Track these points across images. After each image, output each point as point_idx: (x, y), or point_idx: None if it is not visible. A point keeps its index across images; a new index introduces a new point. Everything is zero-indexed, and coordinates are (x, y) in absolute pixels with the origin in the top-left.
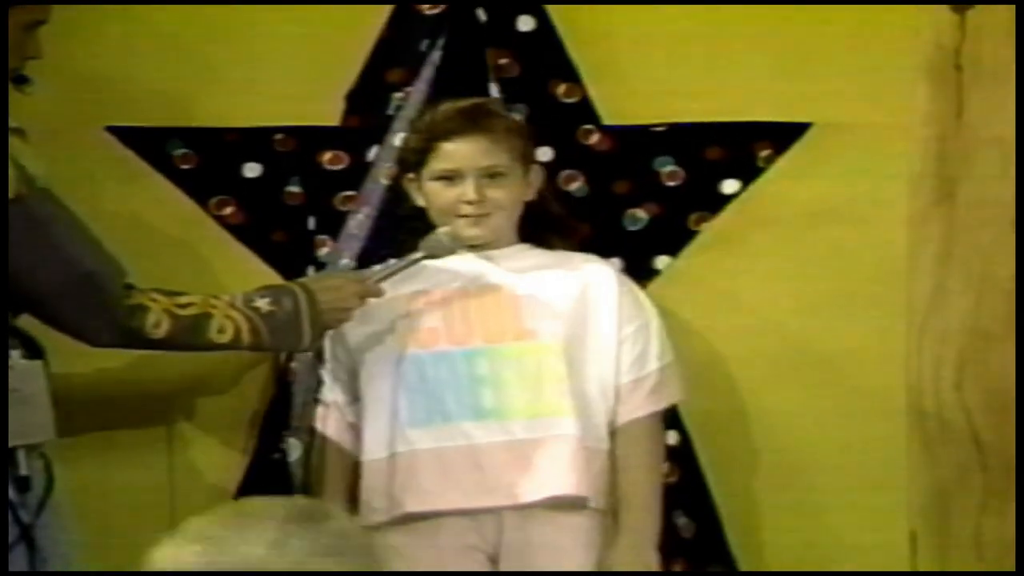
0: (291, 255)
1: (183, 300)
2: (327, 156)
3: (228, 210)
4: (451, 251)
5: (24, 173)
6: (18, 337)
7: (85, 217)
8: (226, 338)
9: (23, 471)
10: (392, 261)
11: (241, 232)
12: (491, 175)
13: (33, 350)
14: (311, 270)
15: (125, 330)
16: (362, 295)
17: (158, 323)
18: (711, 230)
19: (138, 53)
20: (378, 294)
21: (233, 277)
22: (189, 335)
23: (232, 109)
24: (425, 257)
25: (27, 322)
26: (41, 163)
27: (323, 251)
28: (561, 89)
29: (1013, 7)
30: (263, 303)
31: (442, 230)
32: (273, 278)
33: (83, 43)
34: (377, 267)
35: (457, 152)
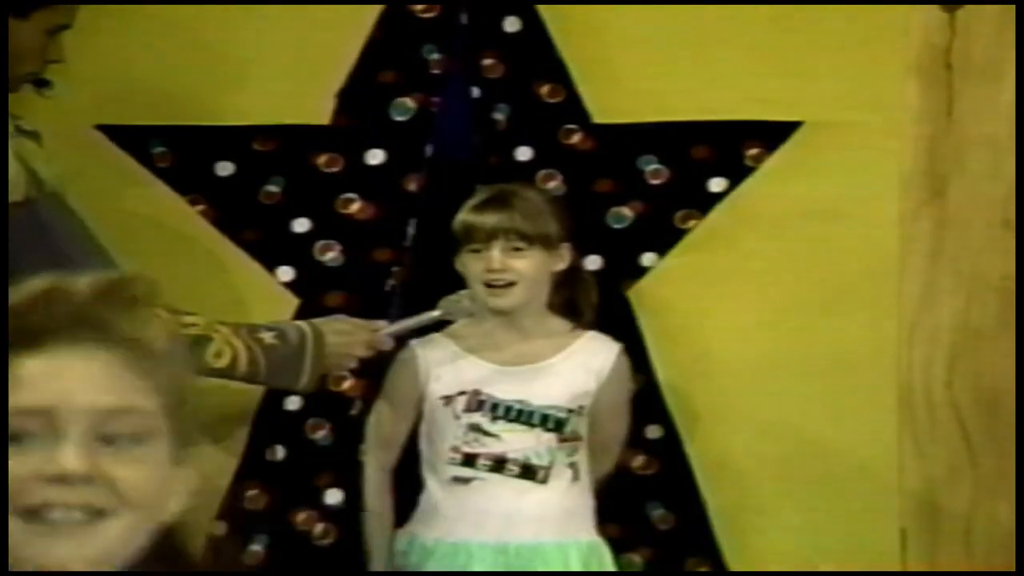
0: (263, 256)
1: (187, 320)
2: (322, 159)
3: (200, 208)
4: (469, 314)
5: (35, 176)
6: None
7: (81, 214)
8: (223, 363)
9: None
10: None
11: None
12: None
13: None
14: (287, 270)
15: None
16: (370, 345)
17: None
18: (701, 229)
19: (132, 52)
20: (386, 347)
21: (223, 274)
22: None
23: (223, 108)
24: (441, 317)
25: None
26: (52, 167)
27: (329, 255)
28: (545, 89)
29: (1001, 5)
30: (267, 336)
31: (464, 292)
32: (261, 274)
33: (78, 43)
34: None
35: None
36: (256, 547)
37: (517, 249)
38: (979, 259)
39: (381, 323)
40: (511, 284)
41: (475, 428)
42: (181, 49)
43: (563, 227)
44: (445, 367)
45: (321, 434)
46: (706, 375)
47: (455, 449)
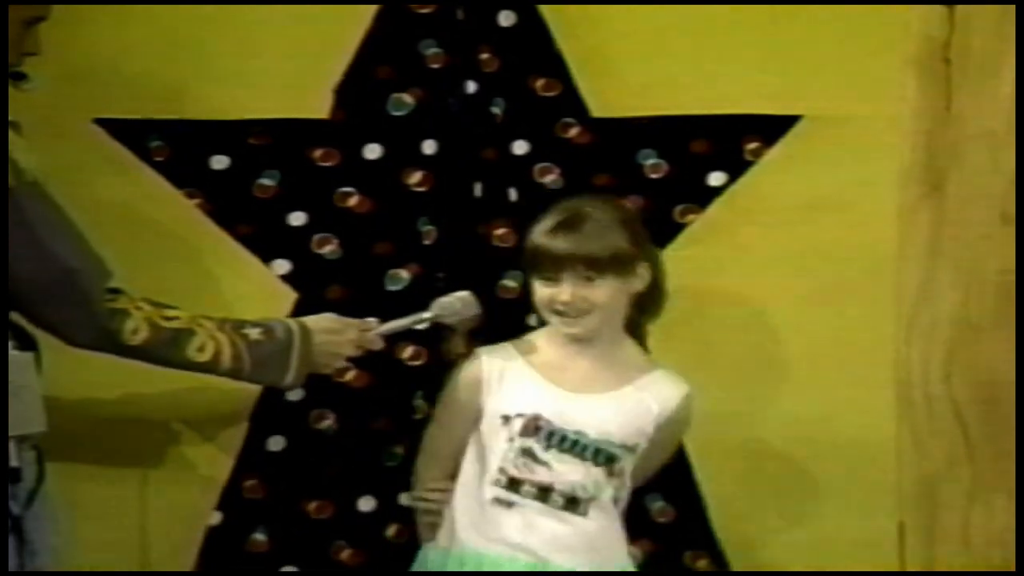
0: (259, 249)
1: (170, 313)
2: (318, 153)
3: (197, 201)
4: (461, 316)
5: (14, 166)
6: (11, 329)
7: (77, 206)
8: (205, 357)
9: (13, 462)
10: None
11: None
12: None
13: (26, 342)
14: (284, 263)
15: (103, 332)
16: (359, 344)
17: (136, 330)
18: (700, 223)
19: (130, 46)
20: (375, 347)
21: (219, 267)
22: (167, 348)
23: (222, 102)
24: (434, 319)
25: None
26: (33, 156)
27: (327, 248)
28: (540, 83)
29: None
30: (253, 332)
31: (457, 294)
32: (257, 267)
33: (76, 36)
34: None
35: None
36: (259, 536)
37: (589, 278)
38: (977, 253)
39: (371, 322)
40: (584, 312)
41: (527, 452)
42: (178, 43)
43: (639, 246)
44: (508, 383)
45: (325, 424)
46: (705, 369)
47: (502, 471)
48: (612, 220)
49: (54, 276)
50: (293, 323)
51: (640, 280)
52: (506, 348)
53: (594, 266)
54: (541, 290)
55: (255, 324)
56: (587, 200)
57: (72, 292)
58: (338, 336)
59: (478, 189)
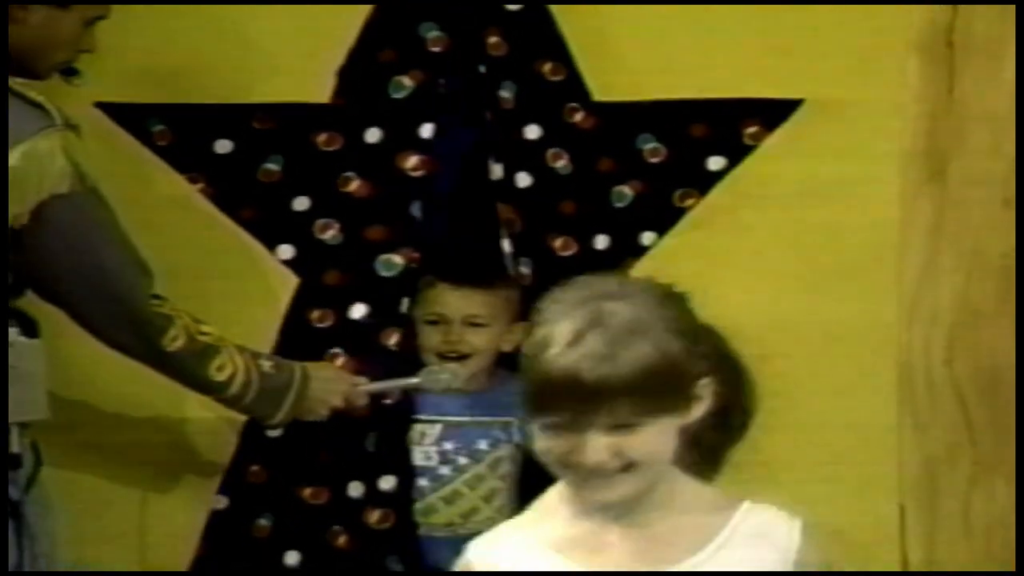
0: (262, 234)
1: (203, 328)
2: (322, 137)
3: (199, 186)
4: (447, 388)
5: (78, 170)
6: (16, 316)
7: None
8: (222, 377)
9: (14, 448)
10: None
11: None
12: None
13: (31, 329)
14: (288, 248)
15: (143, 335)
16: (345, 396)
17: (176, 337)
18: (700, 207)
19: (131, 30)
20: (359, 403)
21: (222, 252)
22: (194, 361)
23: (225, 86)
24: (419, 387)
25: (26, 302)
26: (91, 160)
27: (328, 234)
28: (547, 68)
29: None
30: (266, 364)
31: (448, 367)
32: (260, 252)
33: None
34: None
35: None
36: (263, 522)
37: (625, 425)
38: (979, 237)
39: (361, 378)
40: (621, 471)
41: None
42: (180, 27)
43: (696, 351)
44: None
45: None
46: None
47: None
48: (650, 316)
49: (103, 279)
50: (296, 366)
51: (701, 404)
52: (503, 533)
53: (635, 406)
54: (546, 442)
55: (268, 358)
56: (599, 281)
57: (121, 295)
58: (331, 385)
59: (498, 171)
